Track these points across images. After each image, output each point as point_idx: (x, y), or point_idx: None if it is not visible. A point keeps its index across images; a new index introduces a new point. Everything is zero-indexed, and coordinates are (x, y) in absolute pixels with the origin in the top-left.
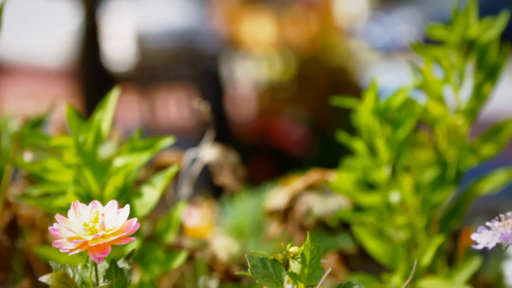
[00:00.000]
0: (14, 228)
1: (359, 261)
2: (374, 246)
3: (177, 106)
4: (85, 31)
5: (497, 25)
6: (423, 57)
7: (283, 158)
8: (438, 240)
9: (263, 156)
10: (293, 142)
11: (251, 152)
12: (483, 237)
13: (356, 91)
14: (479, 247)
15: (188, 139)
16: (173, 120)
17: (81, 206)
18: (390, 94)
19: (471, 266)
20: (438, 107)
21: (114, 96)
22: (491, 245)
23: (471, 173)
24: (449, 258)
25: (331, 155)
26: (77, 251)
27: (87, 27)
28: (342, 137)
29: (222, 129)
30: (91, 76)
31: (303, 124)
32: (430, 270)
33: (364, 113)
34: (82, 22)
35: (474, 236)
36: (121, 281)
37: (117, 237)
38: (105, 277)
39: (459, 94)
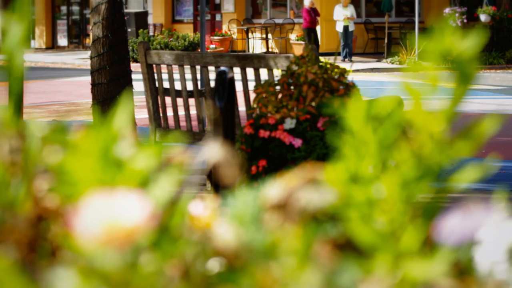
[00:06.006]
0: (40, 218)
1: (349, 249)
2: (362, 236)
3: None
4: None
5: (470, 37)
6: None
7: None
8: (423, 230)
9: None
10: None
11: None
12: (447, 233)
13: None
14: (444, 242)
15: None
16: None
17: (101, 199)
18: (377, 101)
19: (447, 253)
20: (420, 111)
21: (130, 99)
22: (452, 241)
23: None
24: (425, 246)
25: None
26: (96, 241)
27: None
28: (331, 137)
29: (229, 125)
30: None
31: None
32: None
33: (353, 118)
34: None
35: (436, 233)
36: (137, 267)
37: (135, 229)
38: (122, 264)
39: (438, 99)
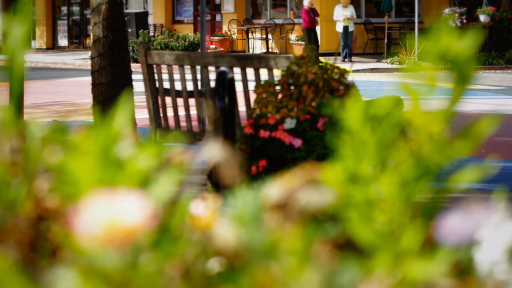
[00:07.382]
0: (40, 218)
1: (349, 249)
2: (362, 236)
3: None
4: None
5: (467, 37)
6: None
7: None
8: (423, 230)
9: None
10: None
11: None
12: (446, 233)
13: None
14: (443, 242)
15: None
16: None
17: (101, 199)
18: (377, 101)
19: (447, 253)
20: (419, 111)
21: (130, 99)
22: (452, 241)
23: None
24: (425, 246)
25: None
26: (97, 241)
27: None
28: (331, 137)
29: (229, 125)
30: None
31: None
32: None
33: (352, 119)
34: None
35: (436, 233)
36: (137, 267)
37: (135, 229)
38: (122, 264)
39: (436, 99)
